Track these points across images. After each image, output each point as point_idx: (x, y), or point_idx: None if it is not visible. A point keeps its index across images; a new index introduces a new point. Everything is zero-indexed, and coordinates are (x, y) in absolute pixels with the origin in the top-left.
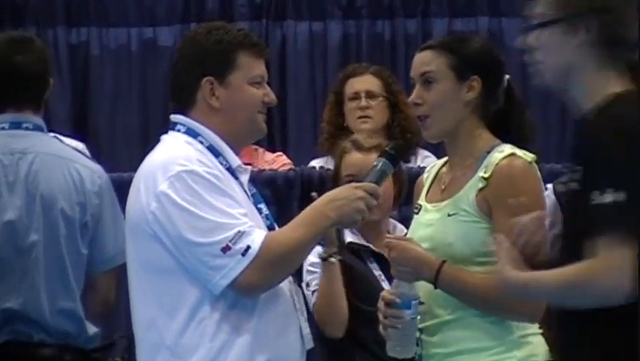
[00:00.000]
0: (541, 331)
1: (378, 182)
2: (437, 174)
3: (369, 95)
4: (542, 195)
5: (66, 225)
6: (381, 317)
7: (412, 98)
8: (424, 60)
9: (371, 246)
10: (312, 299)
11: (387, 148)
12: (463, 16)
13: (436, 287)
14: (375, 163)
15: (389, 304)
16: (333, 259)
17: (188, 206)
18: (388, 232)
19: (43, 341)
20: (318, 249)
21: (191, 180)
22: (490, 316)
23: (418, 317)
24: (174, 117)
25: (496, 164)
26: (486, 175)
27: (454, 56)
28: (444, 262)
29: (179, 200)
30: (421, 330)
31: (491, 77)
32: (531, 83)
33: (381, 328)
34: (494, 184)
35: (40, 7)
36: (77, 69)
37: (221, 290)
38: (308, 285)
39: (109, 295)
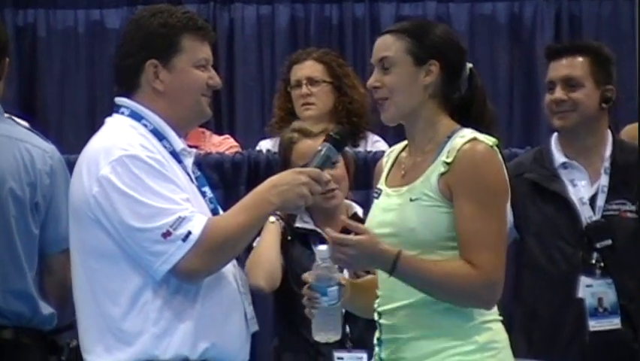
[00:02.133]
0: (501, 318)
1: (322, 167)
2: (397, 158)
3: (310, 81)
4: (505, 178)
5: (16, 205)
6: (304, 299)
7: (370, 82)
8: (383, 45)
9: (318, 230)
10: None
11: (331, 133)
12: (411, 1)
13: (391, 275)
14: (319, 148)
15: (308, 286)
16: (272, 218)
17: (129, 191)
18: (348, 214)
19: None
20: None
21: (133, 165)
22: (447, 303)
23: (339, 303)
24: (118, 100)
25: (458, 149)
26: (448, 160)
27: (413, 40)
28: (400, 251)
29: (120, 185)
30: (380, 314)
31: (451, 63)
32: (478, 69)
33: (306, 310)
34: (456, 169)
35: None
36: (24, 51)
37: (162, 276)
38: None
39: (65, 275)
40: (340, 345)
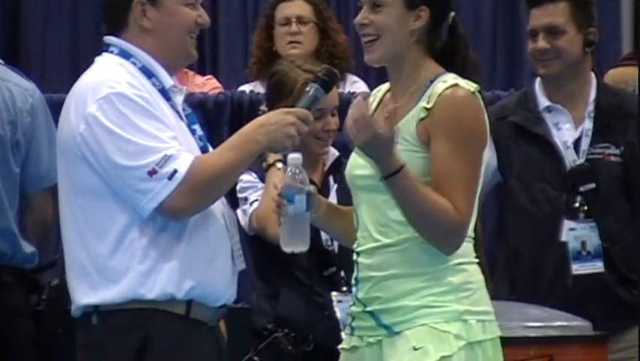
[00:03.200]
0: (477, 260)
1: (309, 107)
2: (381, 100)
3: (300, 20)
4: (484, 126)
5: None
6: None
7: (359, 19)
8: None
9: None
10: (249, 212)
11: (319, 73)
12: None
13: (384, 178)
14: (307, 89)
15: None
16: (280, 165)
17: (115, 129)
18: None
19: None
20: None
21: (120, 103)
22: (417, 229)
23: (307, 213)
24: (107, 39)
25: (439, 94)
26: (428, 105)
27: None
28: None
29: (106, 122)
30: (358, 254)
31: (439, 11)
32: (460, 11)
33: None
34: (436, 114)
35: None
36: None
37: (148, 214)
38: (246, 199)
39: (46, 214)
40: (335, 287)
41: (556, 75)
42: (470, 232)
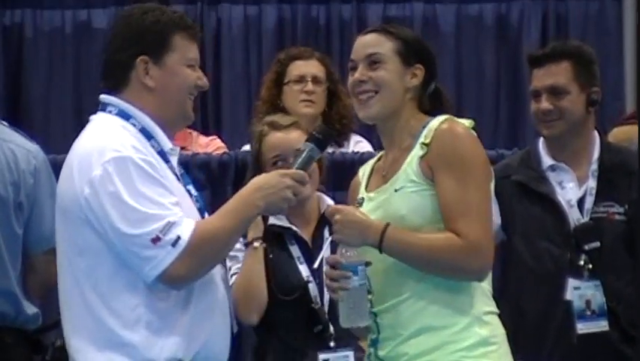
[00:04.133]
0: (498, 311)
1: (305, 168)
2: (373, 168)
3: (315, 80)
4: (484, 154)
5: None
6: (328, 281)
7: (357, 77)
8: (372, 42)
9: (293, 227)
10: (230, 283)
11: (314, 132)
12: (397, 1)
13: (381, 251)
14: (302, 148)
15: (334, 266)
16: (256, 244)
17: (120, 194)
18: (320, 207)
19: None
20: None
21: (125, 167)
22: (436, 275)
23: (366, 284)
24: (105, 98)
25: (436, 128)
26: (426, 141)
27: (401, 42)
28: (388, 224)
29: (111, 188)
30: (375, 314)
31: (431, 68)
32: (464, 70)
33: (331, 293)
34: (435, 147)
35: None
36: (11, 51)
37: (151, 280)
38: (229, 269)
39: (49, 275)
40: (324, 345)
41: (559, 135)
42: (487, 284)
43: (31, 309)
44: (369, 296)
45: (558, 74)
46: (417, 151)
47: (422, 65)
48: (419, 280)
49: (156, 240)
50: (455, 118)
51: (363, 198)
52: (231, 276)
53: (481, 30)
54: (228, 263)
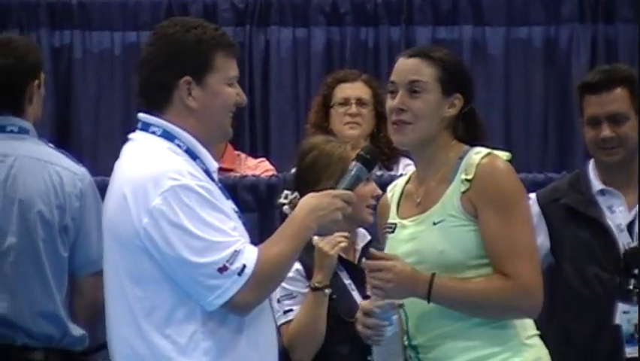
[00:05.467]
0: (539, 333)
1: (352, 188)
2: (403, 191)
3: (360, 102)
4: (525, 191)
5: (44, 228)
6: (360, 327)
7: (396, 104)
8: (415, 68)
9: (342, 254)
10: (280, 319)
11: (361, 152)
12: (446, 24)
13: (429, 302)
14: (349, 168)
15: (368, 314)
16: (327, 291)
17: (182, 223)
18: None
19: (26, 344)
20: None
21: (185, 196)
22: (490, 320)
23: (398, 330)
24: (146, 118)
25: (477, 164)
26: (469, 177)
27: (444, 70)
28: (434, 274)
29: (173, 217)
30: (416, 348)
31: (469, 98)
32: (513, 93)
33: (366, 340)
34: (478, 184)
35: (23, 10)
36: (60, 72)
37: (214, 308)
38: (279, 301)
39: (95, 297)
40: None
41: (620, 162)
42: None
43: (77, 331)
44: (404, 338)
45: (617, 100)
46: (457, 186)
47: (461, 95)
48: (464, 316)
49: (223, 269)
50: (494, 152)
51: (395, 225)
52: (285, 313)
53: (529, 53)
54: (281, 293)
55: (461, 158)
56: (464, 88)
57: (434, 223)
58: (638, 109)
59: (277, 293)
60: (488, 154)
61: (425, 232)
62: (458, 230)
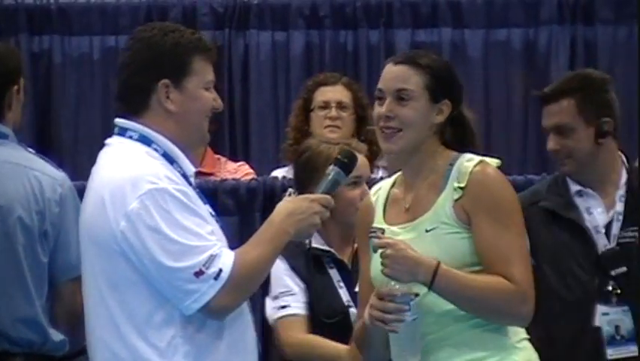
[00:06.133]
0: (529, 336)
1: (330, 192)
2: (388, 195)
3: (340, 105)
4: (517, 199)
5: (24, 233)
6: (377, 312)
7: (384, 111)
8: (402, 76)
9: (332, 251)
10: (277, 314)
11: (339, 156)
12: (426, 27)
13: (430, 288)
14: (327, 172)
15: (383, 298)
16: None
17: (159, 227)
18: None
19: (6, 350)
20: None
21: (162, 200)
22: (482, 323)
23: (416, 317)
24: (123, 123)
25: (470, 172)
26: (461, 185)
27: (432, 77)
28: (439, 263)
29: (150, 221)
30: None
31: (457, 104)
32: (493, 95)
33: (384, 326)
34: (471, 192)
35: (2, 15)
36: (40, 77)
37: (191, 313)
38: (277, 297)
39: (75, 302)
40: None
41: (575, 172)
42: None
43: (57, 336)
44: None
45: (561, 112)
46: (450, 193)
47: (449, 100)
48: (457, 320)
49: (199, 273)
50: (485, 159)
51: (383, 230)
52: (281, 307)
53: (509, 55)
54: (276, 290)
55: (451, 165)
56: (452, 94)
57: (426, 231)
58: (589, 118)
59: (274, 290)
60: (480, 162)
61: (417, 240)
62: (451, 237)
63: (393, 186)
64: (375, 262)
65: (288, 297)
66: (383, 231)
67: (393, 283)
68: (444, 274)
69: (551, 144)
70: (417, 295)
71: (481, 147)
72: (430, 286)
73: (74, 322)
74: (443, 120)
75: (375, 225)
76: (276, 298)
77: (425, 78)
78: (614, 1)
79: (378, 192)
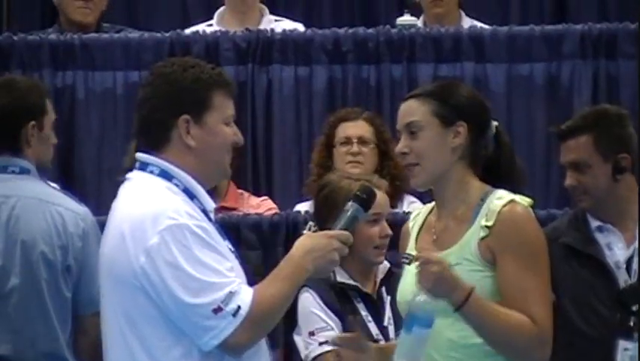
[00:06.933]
0: None
1: (349, 228)
2: (424, 222)
3: (361, 141)
4: (545, 240)
5: (47, 268)
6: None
7: (399, 148)
8: (408, 110)
9: (359, 285)
10: (314, 352)
11: (357, 192)
12: (448, 61)
13: (456, 311)
14: (345, 208)
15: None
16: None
17: (178, 263)
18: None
19: None
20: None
21: (182, 236)
22: (499, 353)
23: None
24: (144, 157)
25: (499, 211)
26: (489, 223)
27: (438, 102)
28: (473, 288)
29: (169, 257)
30: None
31: (477, 122)
32: (515, 129)
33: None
34: (498, 232)
35: (26, 50)
36: (63, 112)
37: (209, 349)
38: (313, 334)
39: (99, 336)
40: None
41: (592, 208)
42: None
43: None
44: None
45: (578, 148)
46: (477, 230)
47: (465, 122)
48: (468, 346)
49: (218, 310)
50: (517, 198)
51: (412, 257)
52: (322, 344)
53: (531, 90)
54: (311, 327)
55: (482, 200)
56: (466, 114)
57: (450, 265)
58: (606, 155)
59: (309, 326)
60: (510, 201)
61: None
62: (474, 274)
63: (430, 212)
64: (403, 287)
65: (326, 332)
66: (411, 257)
67: (419, 297)
68: (475, 300)
69: (568, 180)
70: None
71: (522, 181)
72: (460, 307)
73: (97, 356)
74: (463, 142)
75: (407, 250)
76: (312, 334)
77: (430, 105)
78: (637, 35)
79: (416, 218)
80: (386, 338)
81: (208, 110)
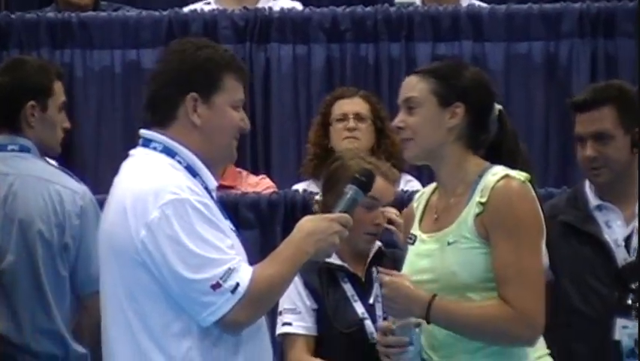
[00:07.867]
0: (549, 351)
1: (349, 211)
2: (427, 202)
3: (358, 117)
4: (540, 214)
5: (44, 247)
6: (382, 348)
7: (395, 122)
8: (409, 86)
9: (346, 265)
10: (279, 329)
11: (356, 175)
12: (446, 40)
13: (428, 322)
14: (345, 191)
15: (387, 333)
16: None
17: (179, 238)
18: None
19: None
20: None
21: (183, 210)
22: (487, 344)
23: (419, 350)
24: (148, 134)
25: (492, 187)
26: (483, 200)
27: (438, 81)
28: (434, 296)
29: (170, 231)
30: None
31: (477, 105)
32: (513, 108)
33: (386, 359)
34: (491, 208)
35: (23, 29)
36: None
37: (207, 325)
38: (281, 313)
39: (100, 315)
40: None
41: (609, 182)
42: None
43: (80, 349)
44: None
45: (602, 119)
46: (473, 208)
47: (462, 103)
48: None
49: (216, 286)
50: (512, 173)
51: (416, 237)
52: (285, 325)
53: (530, 69)
54: (281, 306)
55: (480, 176)
56: (466, 96)
57: (448, 243)
58: (627, 127)
59: (281, 304)
60: (504, 176)
61: (440, 251)
62: (470, 252)
63: (433, 192)
64: (405, 268)
65: (291, 315)
66: (415, 238)
67: (394, 325)
68: (438, 307)
69: (589, 151)
70: (417, 325)
71: (525, 165)
72: (427, 319)
73: (99, 334)
74: (459, 123)
75: (412, 231)
76: (280, 313)
77: (430, 83)
78: (636, 14)
79: (420, 199)
80: (372, 316)
81: (217, 91)
